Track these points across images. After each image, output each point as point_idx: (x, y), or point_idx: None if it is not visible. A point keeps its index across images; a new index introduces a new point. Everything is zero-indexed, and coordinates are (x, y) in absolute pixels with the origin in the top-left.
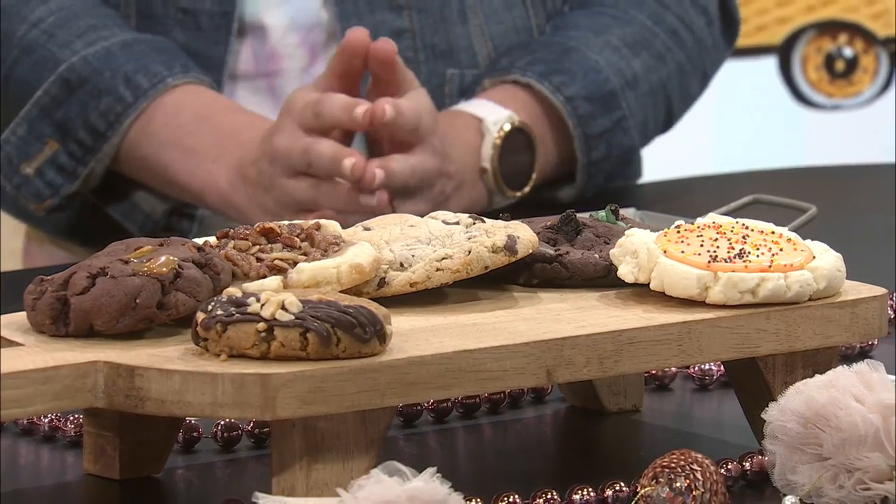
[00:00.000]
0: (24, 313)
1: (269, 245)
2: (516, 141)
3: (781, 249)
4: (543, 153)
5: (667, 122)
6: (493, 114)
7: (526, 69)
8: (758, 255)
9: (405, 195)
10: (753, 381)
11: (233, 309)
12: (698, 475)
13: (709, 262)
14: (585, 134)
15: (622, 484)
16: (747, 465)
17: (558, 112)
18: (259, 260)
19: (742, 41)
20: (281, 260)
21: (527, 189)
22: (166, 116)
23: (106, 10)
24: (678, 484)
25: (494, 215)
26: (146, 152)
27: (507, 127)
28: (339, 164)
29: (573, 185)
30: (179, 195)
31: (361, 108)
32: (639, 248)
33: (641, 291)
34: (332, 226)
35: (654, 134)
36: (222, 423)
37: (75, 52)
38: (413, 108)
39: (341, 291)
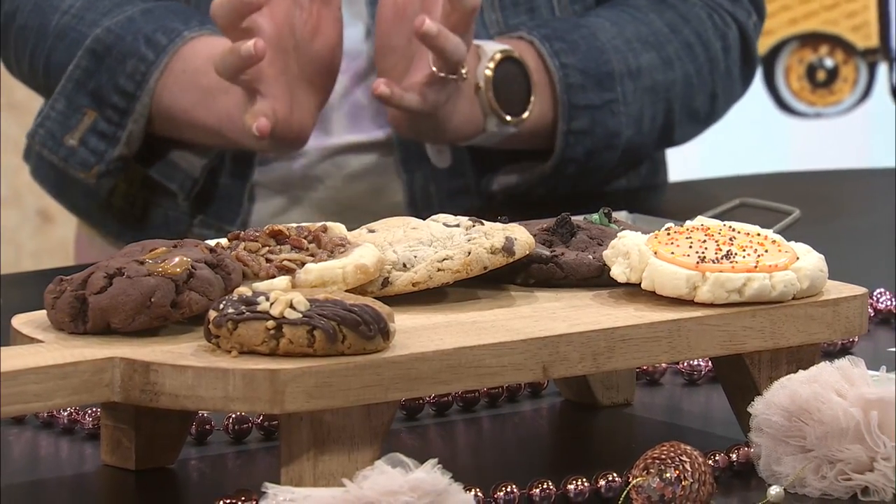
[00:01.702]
0: (44, 312)
1: (278, 246)
2: (511, 69)
3: (766, 251)
4: (539, 99)
5: (666, 126)
6: (491, 45)
7: (533, 29)
8: (744, 256)
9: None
10: (740, 377)
11: (243, 307)
12: (687, 466)
13: (697, 262)
14: (570, 103)
15: (615, 474)
16: (734, 456)
17: (551, 74)
18: (268, 261)
19: None
20: (289, 261)
21: (521, 117)
22: (183, 63)
23: None
24: (668, 474)
25: (493, 218)
26: (169, 102)
27: (507, 51)
28: (236, 51)
29: (553, 154)
30: (204, 139)
31: None
32: (630, 249)
33: (633, 291)
34: (338, 228)
35: (650, 133)
36: (233, 416)
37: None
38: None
39: (347, 291)
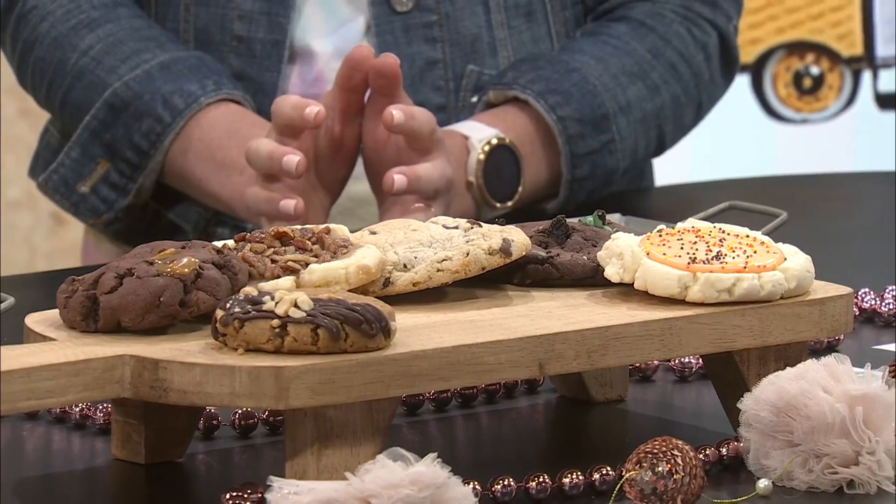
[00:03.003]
0: (56, 311)
1: (283, 248)
2: (501, 157)
3: (755, 252)
4: (531, 169)
5: (658, 147)
6: (479, 132)
7: (527, 86)
8: (733, 257)
9: (431, 199)
10: (729, 373)
11: (249, 307)
12: (679, 460)
13: (688, 263)
14: (572, 153)
15: (608, 468)
16: (724, 450)
17: (550, 130)
18: (273, 261)
19: None
20: (294, 261)
21: (510, 203)
22: (201, 132)
23: (150, 31)
24: (660, 468)
25: (491, 220)
26: (183, 166)
27: (494, 142)
28: (277, 161)
29: (557, 199)
30: (214, 205)
31: (312, 108)
32: (624, 250)
33: (626, 290)
34: (340, 230)
35: (644, 158)
36: (239, 411)
37: (120, 76)
38: (425, 112)
39: (349, 290)
